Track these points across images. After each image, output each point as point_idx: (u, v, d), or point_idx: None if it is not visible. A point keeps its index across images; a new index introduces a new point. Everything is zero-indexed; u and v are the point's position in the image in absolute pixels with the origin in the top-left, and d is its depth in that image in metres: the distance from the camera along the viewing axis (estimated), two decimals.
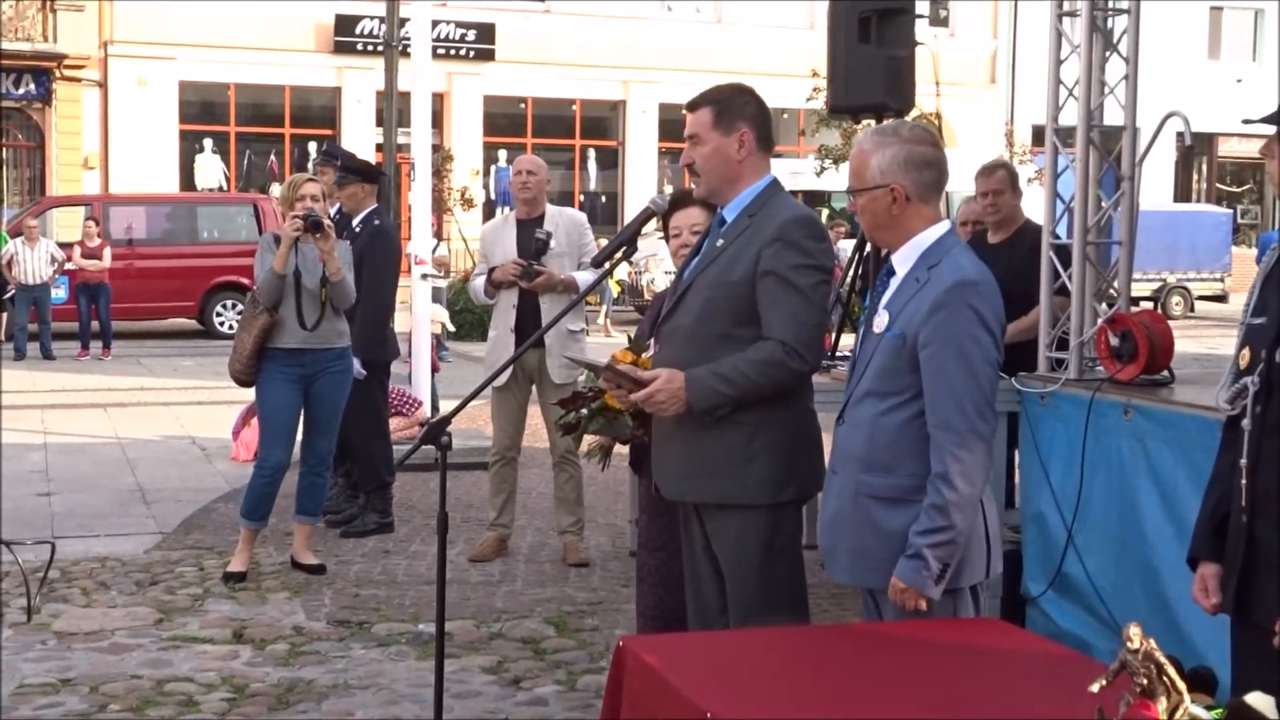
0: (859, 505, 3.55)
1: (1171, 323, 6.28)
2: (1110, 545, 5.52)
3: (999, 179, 7.15)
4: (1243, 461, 2.96)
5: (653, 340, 4.39)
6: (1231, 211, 32.52)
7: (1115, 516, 5.50)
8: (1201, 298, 28.19)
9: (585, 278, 7.34)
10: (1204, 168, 37.88)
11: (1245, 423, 2.98)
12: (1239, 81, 33.26)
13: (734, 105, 4.06)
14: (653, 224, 4.61)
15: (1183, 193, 36.54)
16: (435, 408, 11.86)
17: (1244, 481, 2.96)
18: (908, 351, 3.46)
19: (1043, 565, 5.89)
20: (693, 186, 4.19)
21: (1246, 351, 3.03)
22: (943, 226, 3.59)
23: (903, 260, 3.59)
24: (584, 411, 4.66)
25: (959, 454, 3.38)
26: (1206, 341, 18.46)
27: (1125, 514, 5.44)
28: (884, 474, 3.51)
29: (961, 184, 8.74)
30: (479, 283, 7.64)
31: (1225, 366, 3.18)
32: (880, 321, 3.55)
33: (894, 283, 3.59)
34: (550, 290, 7.35)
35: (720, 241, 4.04)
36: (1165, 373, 5.71)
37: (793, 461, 3.98)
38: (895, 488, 3.49)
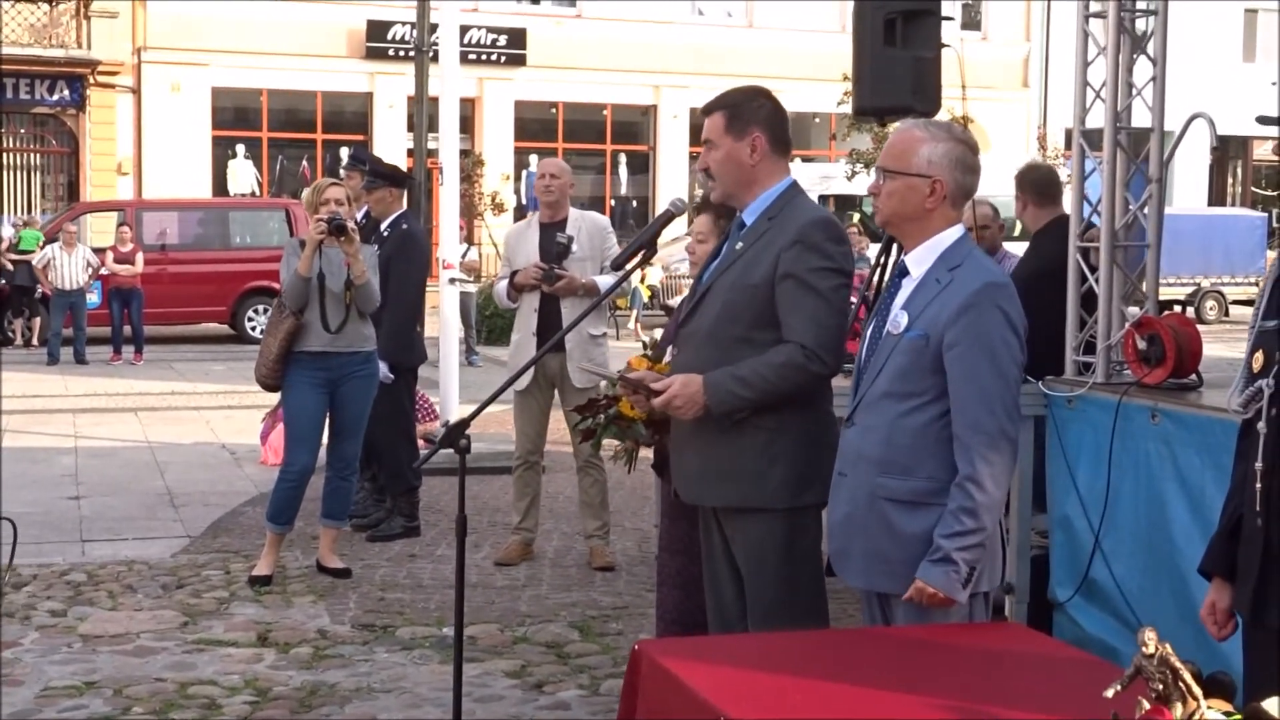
0: (874, 508, 3.52)
1: (1206, 327, 6.25)
2: (1138, 550, 5.47)
3: None
4: (1258, 465, 2.94)
5: (671, 346, 4.38)
6: (1266, 215, 32.24)
7: (1143, 521, 5.44)
8: (1236, 302, 27.97)
9: (607, 282, 7.32)
10: (1238, 171, 37.64)
11: (1260, 426, 2.96)
12: (1274, 84, 32.95)
13: (746, 109, 4.05)
14: (680, 226, 4.60)
15: (1217, 196, 36.30)
16: None
17: (1259, 485, 2.93)
18: (930, 352, 3.44)
19: (1070, 570, 5.84)
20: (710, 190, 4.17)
21: (1259, 355, 3.01)
22: (959, 229, 3.58)
23: (918, 261, 3.56)
24: (600, 418, 4.67)
25: (989, 456, 3.36)
26: (1241, 346, 18.30)
27: (1153, 518, 5.39)
28: (902, 476, 3.48)
29: (993, 188, 8.61)
30: (502, 286, 7.65)
31: None
32: (898, 322, 3.51)
33: (908, 284, 3.57)
34: (571, 294, 7.34)
35: (740, 244, 4.02)
36: (1193, 376, 5.66)
37: (812, 465, 3.95)
38: (914, 490, 3.46)
